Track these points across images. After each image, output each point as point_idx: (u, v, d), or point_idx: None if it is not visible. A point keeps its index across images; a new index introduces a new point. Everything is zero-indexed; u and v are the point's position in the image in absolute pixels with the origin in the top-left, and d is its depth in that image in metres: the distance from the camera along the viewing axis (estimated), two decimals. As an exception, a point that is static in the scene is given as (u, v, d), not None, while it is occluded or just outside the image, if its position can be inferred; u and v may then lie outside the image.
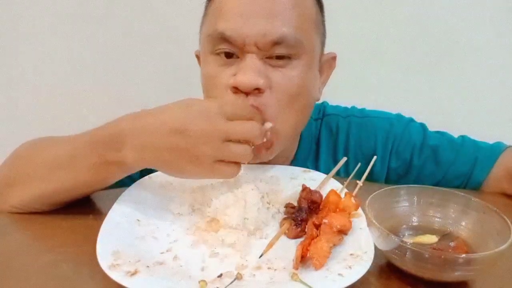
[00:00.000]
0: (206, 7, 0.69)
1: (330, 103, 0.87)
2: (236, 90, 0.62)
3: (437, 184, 0.75)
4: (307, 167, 0.70)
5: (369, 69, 1.13)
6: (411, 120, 0.82)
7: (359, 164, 0.62)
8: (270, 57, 0.62)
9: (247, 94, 0.61)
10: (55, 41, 1.14)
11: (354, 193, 0.53)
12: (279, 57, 0.63)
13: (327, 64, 0.73)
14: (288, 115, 0.64)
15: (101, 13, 1.11)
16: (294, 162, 0.78)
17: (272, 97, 0.62)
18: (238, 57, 0.63)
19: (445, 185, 0.74)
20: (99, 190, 0.59)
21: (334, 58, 0.74)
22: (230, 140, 0.52)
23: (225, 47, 0.63)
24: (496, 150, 0.74)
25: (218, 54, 0.64)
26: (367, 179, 0.56)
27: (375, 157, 0.61)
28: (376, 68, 1.12)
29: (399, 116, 0.82)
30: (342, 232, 0.48)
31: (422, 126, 0.80)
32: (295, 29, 0.63)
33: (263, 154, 0.64)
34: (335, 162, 0.74)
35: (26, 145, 0.63)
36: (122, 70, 1.17)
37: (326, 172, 0.65)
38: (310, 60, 0.66)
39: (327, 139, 0.81)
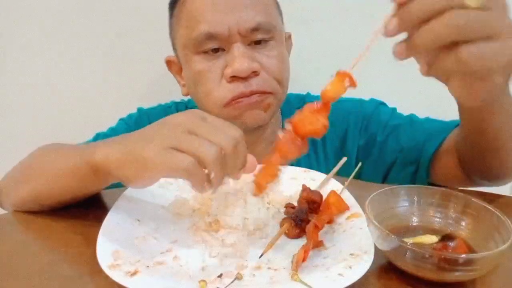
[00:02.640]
0: (174, 13, 0.76)
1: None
2: (233, 78, 0.70)
3: (396, 160, 0.79)
4: None
5: (365, 65, 1.12)
6: (382, 103, 0.86)
7: (359, 164, 0.63)
8: (250, 44, 0.71)
9: (244, 79, 0.69)
10: (52, 42, 1.14)
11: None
12: (257, 42, 0.72)
13: (287, 42, 0.81)
14: (279, 86, 0.74)
15: (97, 14, 1.11)
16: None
17: (266, 75, 0.72)
18: (223, 50, 0.71)
19: (402, 160, 0.77)
20: (85, 196, 0.58)
21: (290, 36, 0.83)
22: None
23: (212, 45, 0.70)
24: (450, 124, 0.75)
25: (204, 52, 0.71)
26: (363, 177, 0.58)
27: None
28: (372, 63, 1.12)
29: (371, 99, 0.87)
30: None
31: (392, 109, 0.84)
32: (267, 15, 0.72)
33: (261, 114, 0.73)
34: (314, 142, 0.83)
35: (37, 151, 0.64)
36: (120, 71, 1.17)
37: (306, 159, 0.73)
38: (280, 39, 0.76)
39: None
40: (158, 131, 0.46)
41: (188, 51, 0.73)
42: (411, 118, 0.80)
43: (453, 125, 0.74)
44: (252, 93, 0.71)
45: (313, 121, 0.47)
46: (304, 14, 1.08)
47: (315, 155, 0.85)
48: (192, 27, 0.70)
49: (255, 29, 0.70)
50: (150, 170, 0.45)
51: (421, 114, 0.82)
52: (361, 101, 0.86)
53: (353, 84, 0.44)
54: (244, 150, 0.46)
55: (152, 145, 0.44)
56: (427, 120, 0.80)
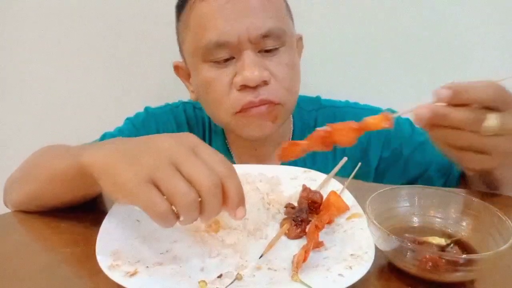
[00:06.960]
0: (181, 18, 0.74)
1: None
2: (243, 87, 0.68)
3: (423, 173, 0.80)
4: (304, 157, 0.76)
5: (367, 67, 1.12)
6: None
7: (359, 164, 0.62)
8: (260, 51, 0.69)
9: (254, 88, 0.68)
10: (60, 43, 1.14)
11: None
12: (268, 50, 0.70)
13: (298, 44, 0.80)
14: (289, 95, 0.73)
15: (106, 15, 1.12)
16: None
17: (276, 84, 0.70)
18: (233, 58, 0.69)
19: (433, 174, 0.79)
20: (80, 200, 0.56)
21: (301, 38, 0.82)
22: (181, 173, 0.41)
23: (222, 54, 0.68)
24: None
25: (213, 60, 0.69)
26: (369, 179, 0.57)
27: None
28: (374, 66, 1.12)
29: (388, 110, 0.86)
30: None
31: (408, 120, 0.85)
32: (278, 20, 0.70)
33: (269, 126, 0.73)
34: (333, 150, 0.81)
35: (38, 152, 0.64)
36: (128, 70, 1.17)
37: (324, 160, 0.72)
38: (291, 43, 0.74)
39: None
40: (142, 155, 0.42)
41: (197, 58, 0.71)
42: None
43: None
44: (261, 103, 0.70)
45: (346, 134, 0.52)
46: (312, 14, 1.08)
47: (333, 161, 0.84)
48: (201, 34, 0.69)
49: (266, 35, 0.68)
50: (123, 194, 0.42)
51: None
52: (377, 112, 0.87)
53: (390, 126, 0.52)
54: (235, 187, 0.42)
55: (131, 171, 0.41)
56: None
